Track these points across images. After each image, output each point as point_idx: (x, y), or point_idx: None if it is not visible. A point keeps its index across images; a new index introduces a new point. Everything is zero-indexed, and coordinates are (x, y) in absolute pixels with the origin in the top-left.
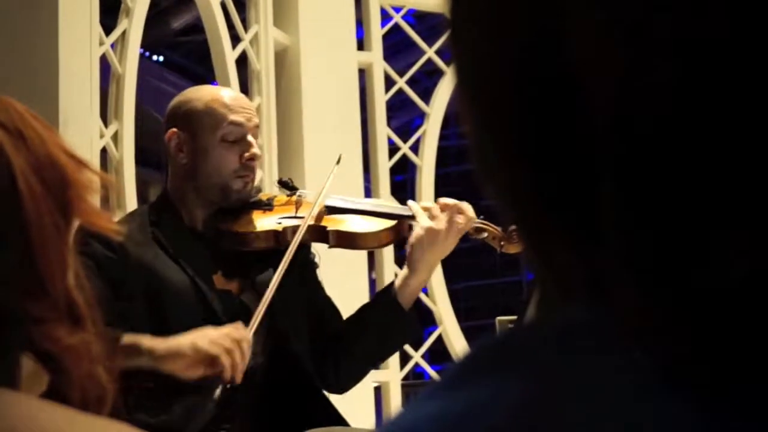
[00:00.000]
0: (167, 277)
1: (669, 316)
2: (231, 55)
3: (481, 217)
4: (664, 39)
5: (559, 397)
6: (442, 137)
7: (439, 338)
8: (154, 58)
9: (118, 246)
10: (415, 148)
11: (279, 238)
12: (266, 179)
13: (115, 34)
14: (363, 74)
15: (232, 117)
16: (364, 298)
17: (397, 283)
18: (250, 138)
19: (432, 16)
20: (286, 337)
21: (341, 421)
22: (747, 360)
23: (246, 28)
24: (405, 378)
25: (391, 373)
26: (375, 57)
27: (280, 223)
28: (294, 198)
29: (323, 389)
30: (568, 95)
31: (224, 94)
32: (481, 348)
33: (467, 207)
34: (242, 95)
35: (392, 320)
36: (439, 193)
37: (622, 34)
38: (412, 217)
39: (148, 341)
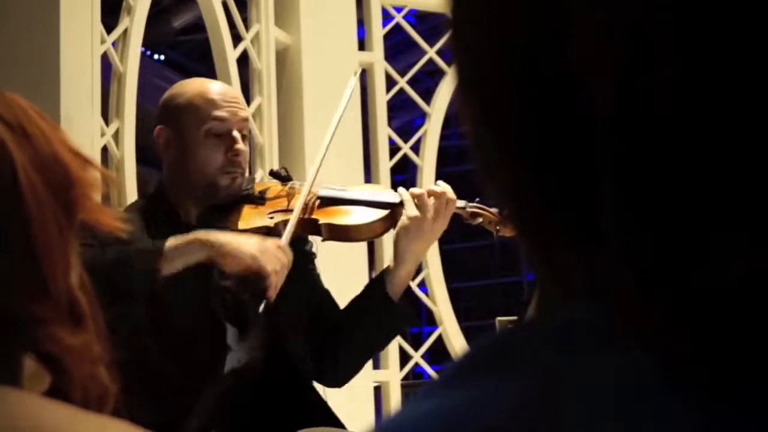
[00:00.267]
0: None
1: (669, 315)
2: (232, 54)
3: (477, 200)
4: (664, 39)
5: (558, 397)
6: (443, 137)
7: (439, 338)
8: (155, 56)
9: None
10: (416, 148)
11: (271, 234)
12: (266, 178)
13: (117, 32)
14: (364, 74)
15: (216, 112)
16: None
17: (387, 274)
18: (235, 133)
19: (433, 16)
20: (283, 334)
21: (335, 422)
22: (747, 360)
23: (247, 28)
24: (405, 378)
25: (390, 373)
26: (376, 57)
27: (272, 218)
28: (287, 188)
29: (322, 384)
30: (568, 95)
31: (209, 88)
32: (480, 347)
33: (450, 192)
34: (229, 88)
35: (382, 313)
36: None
37: (623, 34)
38: (401, 205)
39: (204, 235)
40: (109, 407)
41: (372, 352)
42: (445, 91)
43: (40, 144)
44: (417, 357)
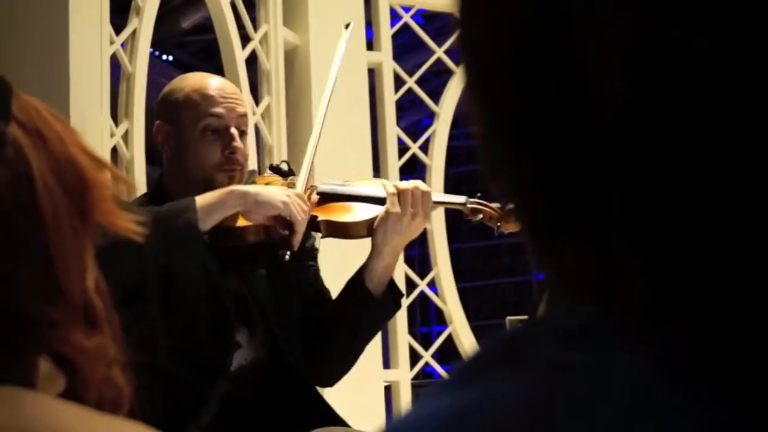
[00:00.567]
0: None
1: (675, 316)
2: (241, 55)
3: (478, 195)
4: (669, 38)
5: (564, 396)
6: (452, 137)
7: (449, 337)
8: (164, 57)
9: None
10: (424, 147)
11: (270, 232)
12: (267, 173)
13: (126, 33)
14: (372, 74)
15: (213, 109)
16: None
17: (365, 267)
18: (233, 130)
19: (441, 16)
20: (282, 332)
21: (339, 421)
22: (754, 361)
23: (256, 28)
24: (415, 377)
25: (401, 373)
26: (384, 57)
27: None
28: (288, 183)
29: (312, 383)
30: (574, 95)
31: (207, 83)
32: (489, 346)
33: (422, 186)
34: (228, 84)
35: (363, 310)
36: (447, 193)
37: (626, 33)
38: (384, 201)
39: (239, 188)
40: (124, 409)
41: (359, 349)
42: (454, 90)
43: (55, 147)
44: (427, 356)
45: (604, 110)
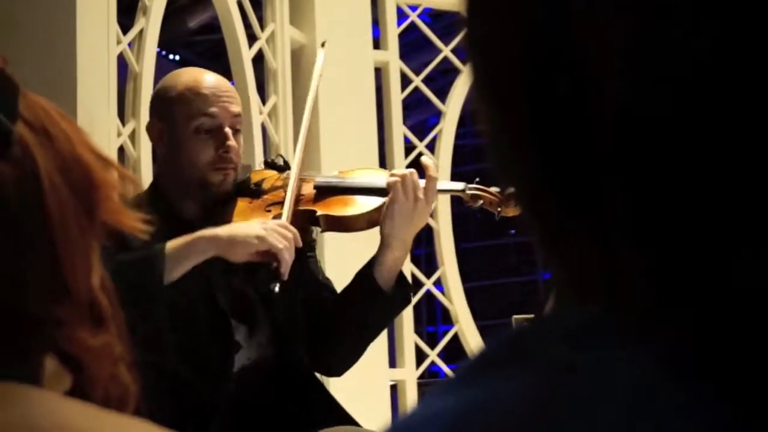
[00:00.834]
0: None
1: (678, 315)
2: (247, 54)
3: (476, 180)
4: (669, 38)
5: (567, 396)
6: (458, 136)
7: (455, 337)
8: (171, 56)
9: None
10: (431, 146)
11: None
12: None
13: (133, 32)
14: (379, 73)
15: (206, 108)
16: None
17: (375, 260)
18: (227, 129)
19: (448, 14)
20: (286, 328)
21: (347, 418)
22: (757, 360)
23: (262, 27)
24: (421, 376)
25: (406, 372)
26: (391, 55)
27: (269, 211)
28: (283, 178)
29: (320, 373)
30: (578, 95)
31: (201, 81)
32: (494, 344)
33: (432, 169)
34: (222, 81)
35: (373, 304)
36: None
37: (626, 33)
38: (386, 192)
39: (209, 232)
40: (130, 407)
41: (367, 342)
42: (460, 89)
43: (62, 146)
44: (433, 355)
45: (604, 110)
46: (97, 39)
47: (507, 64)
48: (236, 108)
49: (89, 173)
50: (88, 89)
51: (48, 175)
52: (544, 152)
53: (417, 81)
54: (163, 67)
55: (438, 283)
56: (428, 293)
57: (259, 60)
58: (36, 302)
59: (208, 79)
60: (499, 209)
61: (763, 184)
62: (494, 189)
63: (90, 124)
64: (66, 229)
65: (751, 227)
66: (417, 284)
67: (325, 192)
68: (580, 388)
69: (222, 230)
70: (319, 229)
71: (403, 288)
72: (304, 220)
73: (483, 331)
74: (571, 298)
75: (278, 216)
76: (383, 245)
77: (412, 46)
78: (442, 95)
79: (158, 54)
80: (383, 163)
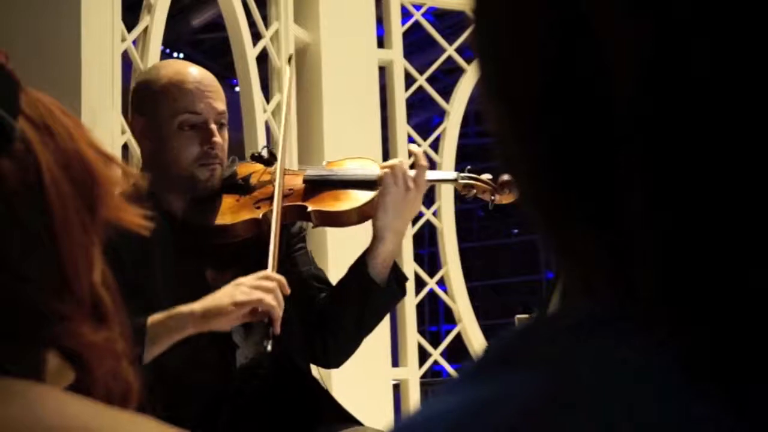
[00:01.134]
0: (158, 278)
1: (689, 313)
2: (252, 53)
3: (468, 168)
4: (688, 21)
5: (575, 394)
6: (461, 135)
7: (458, 336)
8: (175, 55)
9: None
10: (434, 145)
11: (261, 225)
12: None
13: (137, 30)
14: (383, 72)
15: (190, 104)
16: None
17: (369, 254)
18: (212, 126)
19: (452, 13)
20: (282, 324)
21: (346, 416)
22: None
23: (267, 26)
24: (424, 376)
25: (409, 371)
26: (395, 55)
27: (258, 208)
28: (271, 171)
29: (316, 365)
30: (591, 93)
31: (184, 76)
32: (501, 342)
33: (420, 158)
34: (206, 75)
35: (367, 297)
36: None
37: (643, 19)
38: (377, 183)
39: (184, 308)
40: (133, 403)
41: (364, 335)
42: (464, 88)
43: (64, 142)
44: (436, 355)
45: (618, 111)
46: (101, 37)
47: (517, 64)
48: (221, 103)
49: (90, 169)
50: (93, 87)
51: (49, 171)
52: (553, 150)
53: (421, 80)
54: None
55: (441, 283)
56: (431, 292)
57: (263, 58)
58: (37, 297)
59: (192, 74)
60: (492, 198)
61: None
62: (486, 176)
63: (94, 121)
64: (67, 224)
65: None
66: (420, 284)
67: (315, 186)
68: (588, 384)
69: (197, 305)
70: (311, 226)
71: (398, 280)
72: (295, 216)
73: (486, 330)
74: (579, 294)
75: (269, 213)
76: (376, 238)
77: (416, 45)
78: (446, 94)
79: (163, 52)
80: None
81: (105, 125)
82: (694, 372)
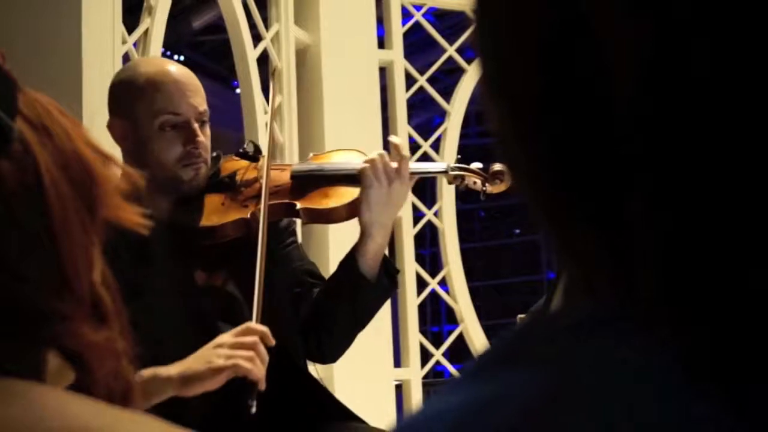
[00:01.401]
0: (146, 285)
1: (692, 315)
2: (252, 54)
3: (458, 157)
4: (688, 21)
5: (575, 394)
6: (462, 136)
7: (460, 336)
8: (175, 57)
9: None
10: (435, 146)
11: (249, 224)
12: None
13: (138, 32)
14: (384, 72)
15: (170, 104)
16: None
17: (357, 250)
18: (194, 125)
19: (452, 14)
20: (273, 320)
21: (352, 416)
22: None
23: (267, 27)
24: (425, 376)
25: (411, 372)
26: (396, 55)
27: (246, 206)
28: (257, 167)
29: (310, 360)
30: (591, 85)
31: (161, 76)
32: (503, 340)
33: (402, 148)
34: (185, 71)
35: (358, 294)
36: (459, 191)
37: (643, 19)
38: (358, 178)
39: (163, 372)
40: (134, 403)
41: (358, 331)
42: (465, 89)
43: (62, 142)
44: (438, 355)
45: (620, 111)
46: (102, 39)
47: (517, 63)
48: (202, 100)
49: (89, 169)
50: (94, 89)
51: (48, 171)
52: (554, 150)
53: (422, 80)
54: None
55: (443, 283)
56: (433, 293)
57: (263, 60)
58: (37, 297)
59: (171, 72)
60: (484, 188)
61: None
62: (477, 166)
63: (95, 122)
64: (67, 224)
65: None
66: (422, 284)
67: (303, 181)
68: (588, 384)
69: (175, 369)
70: (301, 223)
71: (389, 273)
72: (284, 213)
73: (488, 330)
74: (580, 294)
75: (257, 211)
76: (364, 234)
77: (417, 46)
78: (447, 95)
79: (163, 54)
80: None
81: (105, 127)
82: (695, 372)
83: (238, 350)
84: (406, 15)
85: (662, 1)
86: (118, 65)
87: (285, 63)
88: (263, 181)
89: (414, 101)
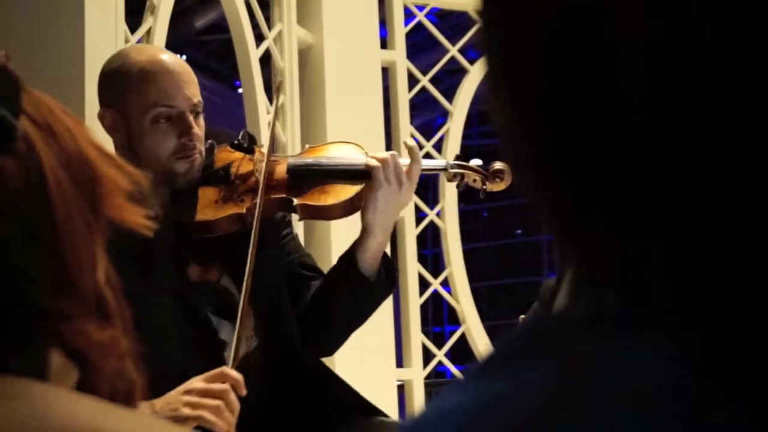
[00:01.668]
0: (143, 283)
1: (702, 312)
2: (255, 54)
3: (457, 156)
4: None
5: (585, 391)
6: (464, 136)
7: (462, 337)
8: (178, 56)
9: None
10: (438, 146)
11: (244, 219)
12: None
13: (140, 32)
14: (386, 72)
15: (164, 97)
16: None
17: (358, 248)
18: (189, 118)
19: (455, 14)
20: (270, 313)
21: (355, 402)
22: None
23: (270, 27)
24: (428, 376)
25: (413, 372)
26: (398, 55)
27: (242, 201)
28: (253, 159)
29: (312, 353)
30: (599, 85)
31: (153, 66)
32: (512, 338)
33: (415, 152)
34: (178, 61)
35: (356, 292)
36: (461, 191)
37: (655, 18)
38: (368, 175)
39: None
40: (137, 401)
41: (353, 327)
42: (467, 89)
43: (66, 141)
44: (440, 355)
45: (629, 105)
46: (105, 38)
47: (523, 63)
48: (195, 91)
49: (92, 168)
50: (96, 88)
51: (52, 170)
52: (561, 149)
53: (424, 81)
54: None
55: (445, 284)
56: (435, 293)
57: (266, 60)
58: (41, 296)
59: (164, 62)
60: (484, 186)
61: None
62: (476, 163)
63: (98, 122)
64: (70, 223)
65: None
66: (424, 284)
67: (300, 176)
68: (597, 381)
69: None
70: (297, 219)
71: (389, 272)
72: (279, 208)
73: (490, 331)
74: (588, 291)
75: (253, 206)
76: (366, 233)
77: (419, 46)
78: (449, 95)
79: None
80: None
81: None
82: (705, 371)
83: (206, 399)
84: (408, 15)
85: (676, 1)
86: None
87: (288, 63)
88: (260, 177)
89: (416, 101)
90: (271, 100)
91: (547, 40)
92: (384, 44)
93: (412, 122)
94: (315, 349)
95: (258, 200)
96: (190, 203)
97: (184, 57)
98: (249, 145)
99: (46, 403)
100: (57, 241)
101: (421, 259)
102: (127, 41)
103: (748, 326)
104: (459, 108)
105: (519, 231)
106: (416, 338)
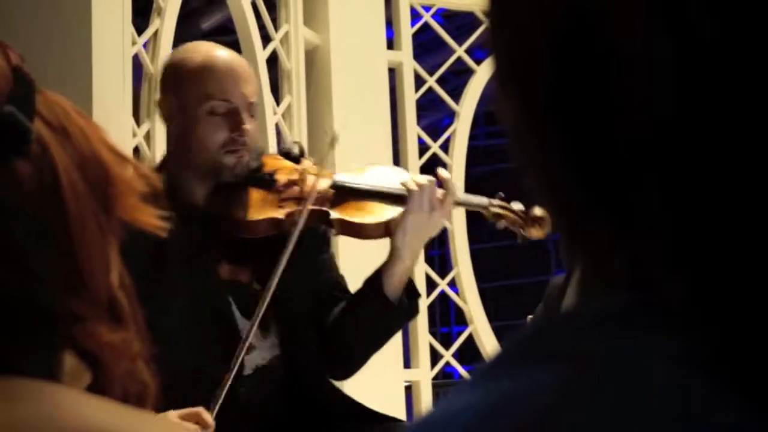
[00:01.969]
0: (162, 279)
1: (710, 313)
2: (261, 55)
3: (499, 195)
4: (704, 19)
5: (595, 392)
6: (471, 137)
7: (470, 337)
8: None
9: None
10: (444, 147)
11: (282, 226)
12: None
13: (147, 33)
14: (393, 73)
15: (220, 91)
16: None
17: (384, 271)
18: (242, 114)
19: (461, 14)
20: (296, 327)
21: (363, 412)
22: None
23: (276, 28)
24: (435, 377)
25: (421, 373)
26: (405, 56)
27: (282, 207)
28: (300, 170)
29: (329, 375)
30: (603, 79)
31: (214, 60)
32: (522, 337)
33: (449, 184)
34: (237, 59)
35: (380, 315)
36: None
37: (659, 18)
38: (404, 199)
39: None
40: (149, 403)
41: (374, 350)
42: (474, 89)
43: (80, 143)
44: (448, 356)
45: (638, 108)
46: (112, 40)
47: (530, 63)
48: (252, 90)
49: (106, 170)
50: (104, 90)
51: (66, 172)
52: (568, 149)
53: (431, 81)
54: None
55: (452, 284)
56: (442, 294)
57: (273, 61)
58: (54, 298)
59: (222, 58)
60: (522, 230)
61: None
62: (518, 207)
63: (105, 124)
64: (84, 225)
65: None
66: (431, 285)
67: (342, 193)
68: (607, 382)
69: None
70: (333, 233)
71: (412, 298)
72: (316, 220)
73: (497, 331)
74: (596, 291)
75: (293, 214)
76: (394, 256)
77: (426, 47)
78: (456, 96)
79: None
80: (397, 163)
81: (116, 129)
82: (712, 372)
83: None
84: (415, 16)
85: (676, 1)
86: (128, 66)
87: (294, 64)
88: (305, 187)
89: (423, 102)
90: (277, 101)
91: (552, 41)
92: (390, 45)
93: (418, 123)
94: (334, 370)
95: (303, 208)
96: (235, 201)
97: None
98: (297, 156)
99: (56, 404)
100: (70, 243)
101: (428, 259)
102: (133, 43)
103: (749, 326)
104: (466, 108)
105: None
106: (423, 339)
